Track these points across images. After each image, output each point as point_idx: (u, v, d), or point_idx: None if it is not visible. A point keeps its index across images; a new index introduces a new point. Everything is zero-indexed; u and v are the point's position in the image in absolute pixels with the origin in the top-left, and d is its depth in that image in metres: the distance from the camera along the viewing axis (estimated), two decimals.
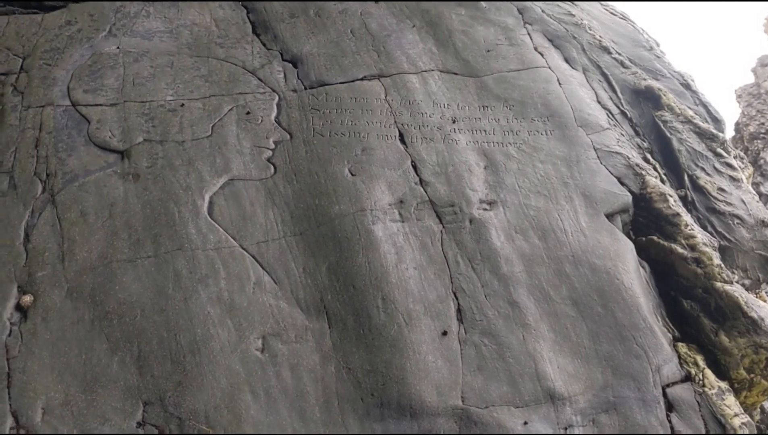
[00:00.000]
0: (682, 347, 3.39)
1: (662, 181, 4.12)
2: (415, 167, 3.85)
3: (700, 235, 3.75)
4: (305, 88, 4.23)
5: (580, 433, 2.99)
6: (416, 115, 4.15)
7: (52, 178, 3.49)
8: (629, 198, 3.92)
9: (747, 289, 3.82)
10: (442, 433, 2.90)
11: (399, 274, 3.35)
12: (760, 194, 7.68)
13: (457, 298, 3.33)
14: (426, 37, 4.77)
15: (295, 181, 3.69)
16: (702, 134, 4.48)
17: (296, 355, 3.04)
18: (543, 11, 5.20)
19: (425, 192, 3.73)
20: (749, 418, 3.20)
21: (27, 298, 3.01)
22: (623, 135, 4.35)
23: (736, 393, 3.33)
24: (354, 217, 3.53)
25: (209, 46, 4.42)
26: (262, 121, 3.97)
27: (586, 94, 4.56)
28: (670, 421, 3.08)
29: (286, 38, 4.59)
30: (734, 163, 4.39)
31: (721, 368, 3.38)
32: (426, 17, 4.92)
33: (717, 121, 4.75)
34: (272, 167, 3.74)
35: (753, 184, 7.51)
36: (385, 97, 4.22)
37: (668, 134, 4.44)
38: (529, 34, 4.97)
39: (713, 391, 3.21)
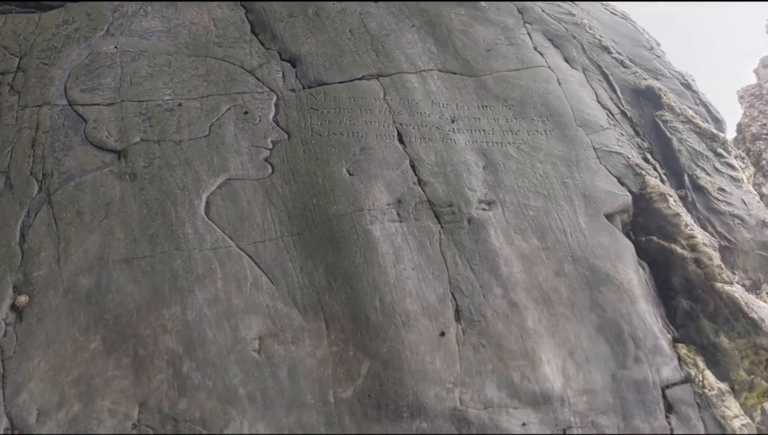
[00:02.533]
0: (682, 348, 3.37)
1: (662, 181, 4.10)
2: (413, 167, 3.83)
3: (700, 236, 3.73)
4: (303, 88, 4.21)
5: (579, 434, 2.97)
6: (415, 115, 4.13)
7: (48, 177, 3.47)
8: (629, 198, 3.90)
9: (747, 290, 3.80)
10: (439, 434, 2.88)
11: (397, 274, 3.33)
12: (762, 195, 7.65)
13: (455, 299, 3.31)
14: (425, 36, 4.75)
15: (292, 180, 3.67)
16: (702, 134, 4.46)
17: (293, 356, 3.03)
18: (543, 11, 5.19)
19: (424, 192, 3.71)
20: (749, 420, 3.17)
21: (22, 299, 2.99)
22: (623, 135, 4.33)
23: (737, 394, 3.31)
24: (352, 217, 3.51)
25: (207, 46, 4.40)
26: (260, 120, 3.96)
27: (586, 94, 4.54)
28: (669, 423, 3.06)
29: (284, 38, 4.57)
30: (735, 163, 4.37)
31: (721, 369, 3.36)
32: (425, 17, 4.90)
33: (717, 121, 4.73)
34: (270, 167, 3.72)
35: (755, 184, 7.49)
36: (384, 96, 4.20)
37: (668, 134, 4.41)
38: (528, 33, 4.95)
39: (713, 393, 3.19)
